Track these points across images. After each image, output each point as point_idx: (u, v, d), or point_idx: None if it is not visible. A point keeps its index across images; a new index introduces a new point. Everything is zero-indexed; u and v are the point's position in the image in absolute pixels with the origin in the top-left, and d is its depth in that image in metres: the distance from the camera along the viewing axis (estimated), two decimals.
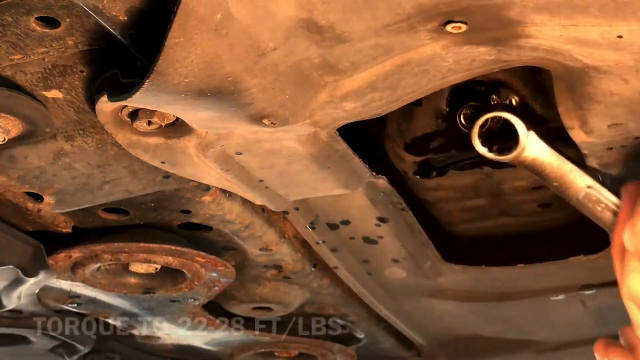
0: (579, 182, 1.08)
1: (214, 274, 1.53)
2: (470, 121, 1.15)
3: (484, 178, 1.49)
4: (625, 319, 1.85)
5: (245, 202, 1.39)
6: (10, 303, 1.47)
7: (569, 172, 1.08)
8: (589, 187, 1.09)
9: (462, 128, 1.23)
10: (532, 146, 1.07)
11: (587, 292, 1.69)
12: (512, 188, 1.51)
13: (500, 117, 1.09)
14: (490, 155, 1.09)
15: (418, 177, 1.45)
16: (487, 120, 1.09)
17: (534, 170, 1.09)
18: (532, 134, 1.07)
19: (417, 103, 1.32)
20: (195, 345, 1.99)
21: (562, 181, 1.09)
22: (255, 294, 1.73)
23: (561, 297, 1.74)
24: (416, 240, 1.55)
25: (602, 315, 1.79)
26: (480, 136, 1.09)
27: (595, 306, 1.75)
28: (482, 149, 1.08)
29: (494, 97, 1.23)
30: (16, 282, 1.42)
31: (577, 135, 1.11)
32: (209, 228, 1.44)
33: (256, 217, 1.43)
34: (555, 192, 1.11)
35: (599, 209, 1.09)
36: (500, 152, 1.08)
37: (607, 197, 1.09)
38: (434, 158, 1.40)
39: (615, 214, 1.07)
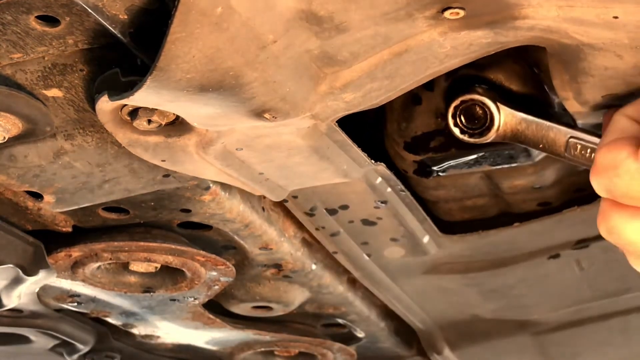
0: (560, 136, 1.13)
1: (214, 273, 1.53)
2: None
3: (484, 177, 1.49)
4: (618, 281, 1.86)
5: (245, 201, 1.39)
6: (10, 302, 1.47)
7: (548, 130, 1.14)
8: (570, 137, 1.13)
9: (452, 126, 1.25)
10: (507, 120, 1.14)
11: (581, 250, 1.69)
12: (512, 187, 1.51)
13: (476, 103, 1.16)
14: (472, 140, 1.17)
15: (418, 176, 1.45)
16: (463, 107, 1.17)
17: (517, 141, 1.15)
18: (504, 108, 1.14)
19: (417, 102, 1.32)
20: (195, 344, 1.99)
21: (545, 141, 1.14)
22: (255, 293, 1.73)
23: (558, 259, 1.74)
24: (414, 217, 1.54)
25: (598, 279, 1.82)
26: (462, 125, 1.18)
27: (589, 267, 1.77)
28: (460, 134, 1.18)
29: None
30: (16, 281, 1.42)
31: (572, 106, 1.12)
32: (208, 227, 1.44)
33: (256, 216, 1.43)
34: (545, 153, 1.16)
35: (586, 154, 1.12)
36: (481, 135, 1.17)
37: (590, 140, 1.12)
38: (434, 157, 1.40)
39: None
